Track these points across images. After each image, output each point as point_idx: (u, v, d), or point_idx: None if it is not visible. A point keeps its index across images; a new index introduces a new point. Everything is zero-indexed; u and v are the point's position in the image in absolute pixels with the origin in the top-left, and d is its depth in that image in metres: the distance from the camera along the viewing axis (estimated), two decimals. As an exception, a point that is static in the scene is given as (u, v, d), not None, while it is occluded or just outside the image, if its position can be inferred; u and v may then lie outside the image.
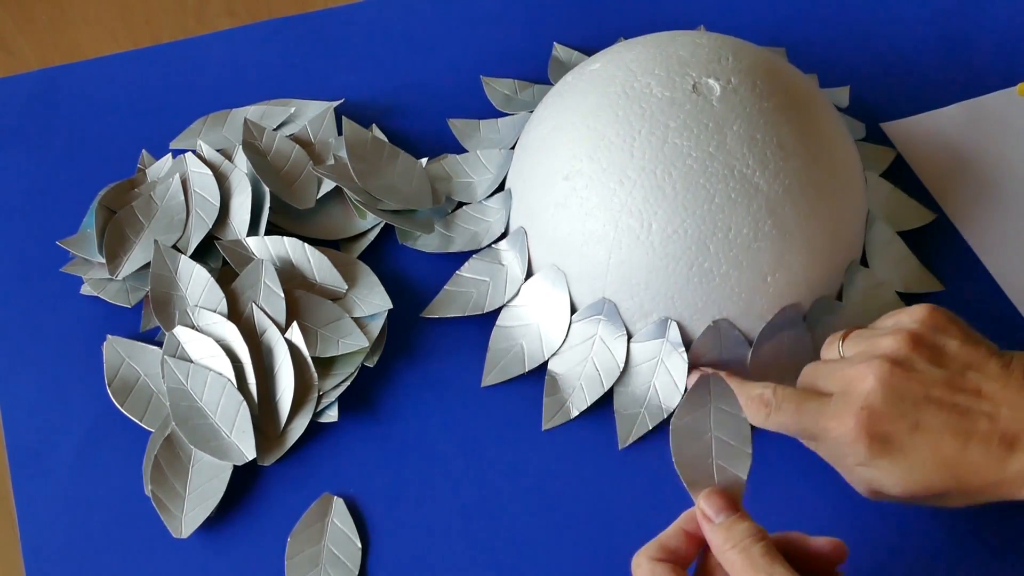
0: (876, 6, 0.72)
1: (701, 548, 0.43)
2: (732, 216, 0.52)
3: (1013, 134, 0.66)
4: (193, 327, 0.55)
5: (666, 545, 0.43)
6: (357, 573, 0.51)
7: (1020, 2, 0.72)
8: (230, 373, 0.53)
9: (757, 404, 0.50)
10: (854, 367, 0.47)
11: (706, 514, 0.42)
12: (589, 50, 0.68)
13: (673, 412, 0.52)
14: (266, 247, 0.58)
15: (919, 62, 0.69)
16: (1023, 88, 0.68)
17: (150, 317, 0.57)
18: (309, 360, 0.54)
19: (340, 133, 0.63)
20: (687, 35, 0.56)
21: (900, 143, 0.66)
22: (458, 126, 0.65)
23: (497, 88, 0.67)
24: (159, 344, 0.56)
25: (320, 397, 0.54)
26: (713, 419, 0.46)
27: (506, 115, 0.66)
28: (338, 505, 0.53)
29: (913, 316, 0.48)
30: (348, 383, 0.55)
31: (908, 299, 0.58)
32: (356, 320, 0.56)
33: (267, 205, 0.59)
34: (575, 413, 0.55)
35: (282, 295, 0.55)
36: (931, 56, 0.70)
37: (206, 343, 0.54)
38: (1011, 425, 0.44)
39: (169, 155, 0.62)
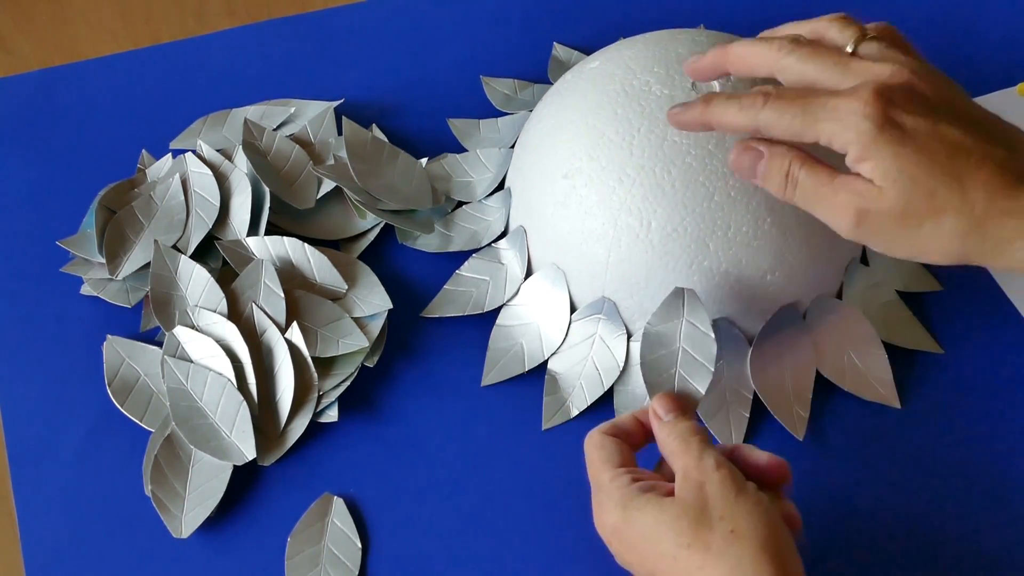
0: (876, 6, 0.72)
1: (649, 440, 0.47)
2: (731, 214, 0.52)
3: (1013, 134, 0.66)
4: (193, 327, 0.55)
5: (619, 425, 0.47)
6: (357, 573, 0.51)
7: (1020, 2, 0.72)
8: (230, 373, 0.53)
9: (754, 97, 0.45)
10: (868, 63, 0.44)
11: (657, 413, 0.47)
12: (589, 50, 0.68)
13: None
14: (266, 247, 0.58)
15: (919, 62, 0.69)
16: (1023, 88, 0.68)
17: (150, 317, 0.57)
18: (309, 360, 0.54)
19: (340, 133, 0.63)
20: (686, 33, 0.56)
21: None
22: (458, 126, 0.65)
23: (497, 88, 0.67)
24: (159, 344, 0.56)
25: (320, 397, 0.54)
26: (683, 332, 0.49)
27: (506, 114, 0.66)
28: (338, 505, 0.53)
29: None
30: (348, 383, 0.55)
31: (907, 297, 0.58)
32: (356, 320, 0.56)
33: (267, 205, 0.59)
34: (575, 412, 0.55)
35: (282, 295, 0.55)
36: (931, 56, 0.69)
37: (206, 343, 0.54)
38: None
39: (169, 155, 0.62)
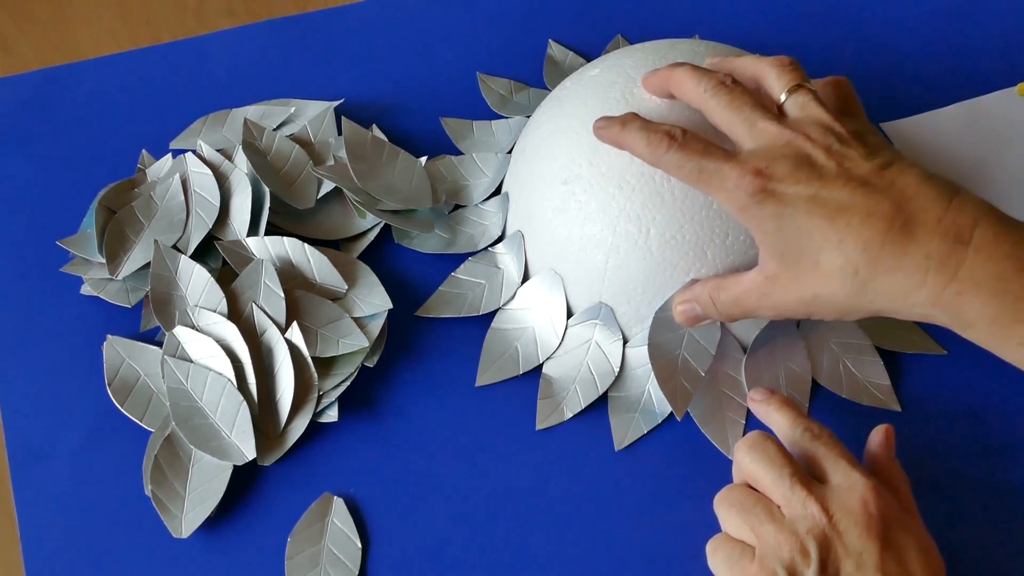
0: (876, 6, 0.72)
1: None
2: (729, 222, 0.52)
3: (1013, 134, 0.66)
4: (193, 327, 0.55)
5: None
6: (357, 573, 0.51)
7: (1020, 2, 0.72)
8: (230, 373, 0.53)
9: (661, 137, 0.47)
10: (773, 127, 0.46)
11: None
12: (586, 51, 0.68)
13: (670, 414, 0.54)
14: (266, 247, 0.58)
15: (919, 62, 0.69)
16: (1023, 88, 0.68)
17: (150, 317, 0.57)
18: (309, 360, 0.54)
19: (340, 133, 0.63)
20: (686, 43, 0.56)
21: (900, 143, 0.66)
22: (451, 125, 0.65)
23: (493, 87, 0.66)
24: (159, 344, 0.56)
25: (320, 397, 0.54)
26: None
27: (500, 117, 0.65)
28: (338, 505, 0.53)
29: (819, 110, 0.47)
30: (348, 383, 0.55)
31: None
32: (356, 320, 0.56)
33: (267, 205, 0.59)
34: (569, 415, 0.55)
35: (282, 295, 0.55)
36: (931, 56, 0.70)
37: (206, 343, 0.54)
38: (916, 212, 0.43)
39: (169, 155, 0.62)
